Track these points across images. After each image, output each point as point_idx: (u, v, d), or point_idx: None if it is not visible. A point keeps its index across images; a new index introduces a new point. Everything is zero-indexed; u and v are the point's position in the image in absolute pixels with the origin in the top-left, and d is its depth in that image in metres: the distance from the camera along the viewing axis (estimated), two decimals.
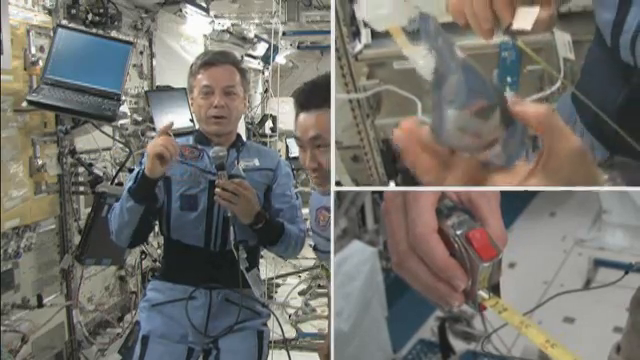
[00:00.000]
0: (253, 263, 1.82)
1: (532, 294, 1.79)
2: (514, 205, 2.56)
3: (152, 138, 3.32)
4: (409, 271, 0.83)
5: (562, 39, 1.55)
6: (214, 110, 1.80)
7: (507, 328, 0.81)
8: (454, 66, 0.70)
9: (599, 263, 2.15)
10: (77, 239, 2.79)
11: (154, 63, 3.68)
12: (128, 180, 1.85)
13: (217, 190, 1.68)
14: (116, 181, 2.90)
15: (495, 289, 0.83)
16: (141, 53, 3.54)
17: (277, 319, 1.89)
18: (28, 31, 2.48)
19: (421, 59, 0.71)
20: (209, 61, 1.84)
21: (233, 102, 1.83)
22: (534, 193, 2.58)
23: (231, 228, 1.76)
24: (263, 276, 1.90)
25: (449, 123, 0.72)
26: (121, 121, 2.86)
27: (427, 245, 0.80)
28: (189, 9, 4.05)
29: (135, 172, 1.84)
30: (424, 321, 2.03)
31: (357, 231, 2.14)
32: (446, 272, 0.80)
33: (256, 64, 5.86)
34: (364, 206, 2.18)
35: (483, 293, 0.82)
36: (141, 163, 1.87)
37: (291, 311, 3.86)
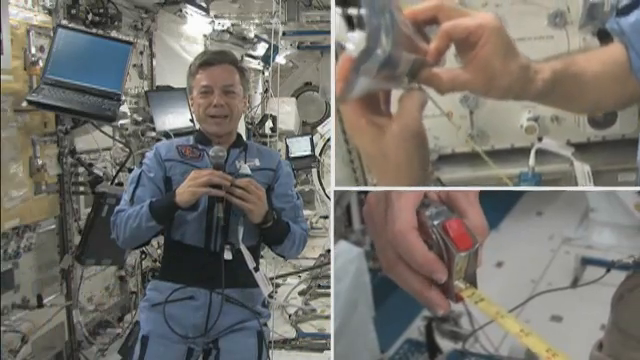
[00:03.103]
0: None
1: (520, 293, 1.80)
2: (501, 205, 2.58)
3: (152, 138, 3.36)
4: (398, 276, 0.84)
5: (581, 170, 1.55)
6: (214, 109, 1.80)
7: (495, 328, 0.82)
8: (385, 43, 0.80)
9: (586, 261, 2.16)
10: (77, 239, 2.78)
11: (154, 63, 3.68)
12: (130, 183, 1.84)
13: (230, 188, 1.69)
14: (116, 181, 2.90)
15: (472, 280, 0.84)
16: (141, 53, 3.54)
17: (262, 321, 1.88)
18: (28, 31, 2.48)
19: (350, 44, 0.81)
20: (208, 61, 1.84)
21: (233, 101, 1.83)
22: (521, 193, 2.59)
23: (229, 227, 1.77)
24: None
25: (359, 88, 0.83)
26: (121, 121, 2.85)
27: (406, 242, 0.81)
28: (189, 9, 4.05)
29: (136, 174, 1.83)
30: (411, 321, 2.04)
31: (343, 231, 2.14)
32: (426, 267, 0.81)
33: (256, 64, 5.86)
34: (350, 206, 2.18)
35: (460, 283, 0.83)
36: (141, 164, 1.87)
37: (291, 311, 3.86)
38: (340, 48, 0.82)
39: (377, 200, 0.86)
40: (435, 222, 0.81)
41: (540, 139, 1.61)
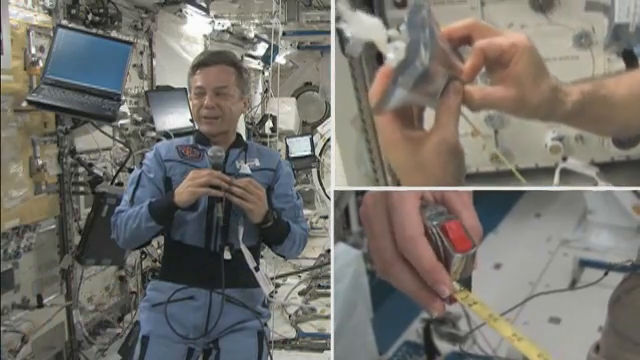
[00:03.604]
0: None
1: (518, 295, 1.80)
2: (499, 207, 2.57)
3: (152, 138, 3.36)
4: (394, 278, 0.85)
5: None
6: (205, 111, 1.82)
7: (493, 330, 0.82)
8: (424, 56, 0.82)
9: (584, 263, 2.16)
10: (77, 239, 2.78)
11: (154, 63, 3.68)
12: (130, 184, 1.84)
13: (230, 187, 1.69)
14: (116, 181, 2.90)
15: (467, 283, 0.85)
16: (141, 53, 3.54)
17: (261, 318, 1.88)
18: (28, 31, 2.48)
19: (391, 53, 0.85)
20: (203, 62, 1.85)
21: (225, 102, 1.83)
22: (519, 195, 2.59)
23: (229, 228, 1.77)
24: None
25: (395, 99, 0.85)
26: (121, 121, 2.85)
27: (415, 248, 0.82)
28: (189, 9, 4.05)
29: (136, 175, 1.83)
30: (410, 323, 2.03)
31: (341, 233, 2.14)
32: (432, 276, 0.82)
33: (256, 64, 5.86)
34: (348, 208, 2.18)
35: (455, 285, 0.83)
36: (141, 164, 1.87)
37: (291, 311, 3.86)
38: (375, 63, 0.83)
39: (375, 201, 0.86)
40: (434, 222, 0.82)
41: (565, 159, 1.62)
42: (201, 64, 1.84)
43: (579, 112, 0.98)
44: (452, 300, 0.84)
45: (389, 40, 0.86)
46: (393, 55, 0.85)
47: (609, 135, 1.45)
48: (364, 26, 0.88)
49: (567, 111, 0.97)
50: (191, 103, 1.89)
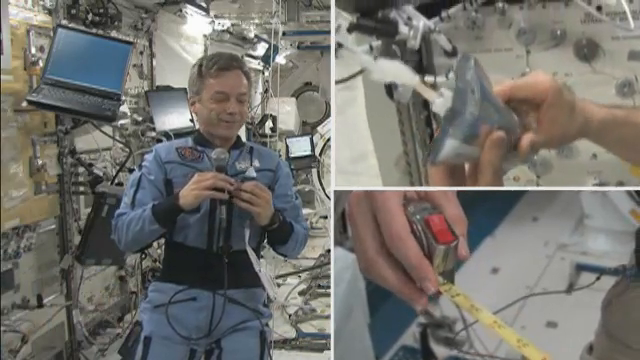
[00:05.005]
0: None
1: (515, 299, 1.81)
2: (497, 211, 2.56)
3: (152, 138, 3.37)
4: (377, 275, 0.87)
5: None
6: (228, 116, 1.81)
7: (491, 333, 0.83)
8: (473, 106, 0.83)
9: (581, 267, 2.16)
10: (77, 239, 2.79)
11: (154, 63, 3.68)
12: (130, 186, 1.83)
13: (237, 192, 1.70)
14: (116, 181, 2.91)
15: (450, 275, 0.87)
16: (141, 53, 3.54)
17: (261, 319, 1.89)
18: (28, 31, 2.48)
19: (437, 99, 0.86)
20: (223, 66, 1.83)
21: (243, 107, 1.86)
22: (517, 199, 2.59)
23: (232, 229, 1.78)
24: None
25: (446, 150, 0.85)
26: (121, 121, 2.86)
27: (403, 245, 0.84)
28: (189, 9, 4.05)
29: (136, 177, 1.83)
30: (407, 327, 2.02)
31: (338, 237, 2.14)
32: (419, 272, 0.84)
33: (256, 64, 5.86)
34: (345, 212, 2.17)
35: (439, 278, 0.86)
36: (141, 166, 1.86)
37: (291, 311, 3.87)
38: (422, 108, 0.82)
39: (358, 200, 0.88)
40: (418, 217, 0.85)
41: None
42: (221, 68, 1.83)
43: (606, 130, 1.01)
44: (437, 293, 0.86)
45: (436, 87, 0.86)
46: (439, 100, 0.86)
47: (637, 163, 1.46)
48: (387, 71, 0.90)
49: (594, 128, 1.00)
50: (202, 106, 1.83)
